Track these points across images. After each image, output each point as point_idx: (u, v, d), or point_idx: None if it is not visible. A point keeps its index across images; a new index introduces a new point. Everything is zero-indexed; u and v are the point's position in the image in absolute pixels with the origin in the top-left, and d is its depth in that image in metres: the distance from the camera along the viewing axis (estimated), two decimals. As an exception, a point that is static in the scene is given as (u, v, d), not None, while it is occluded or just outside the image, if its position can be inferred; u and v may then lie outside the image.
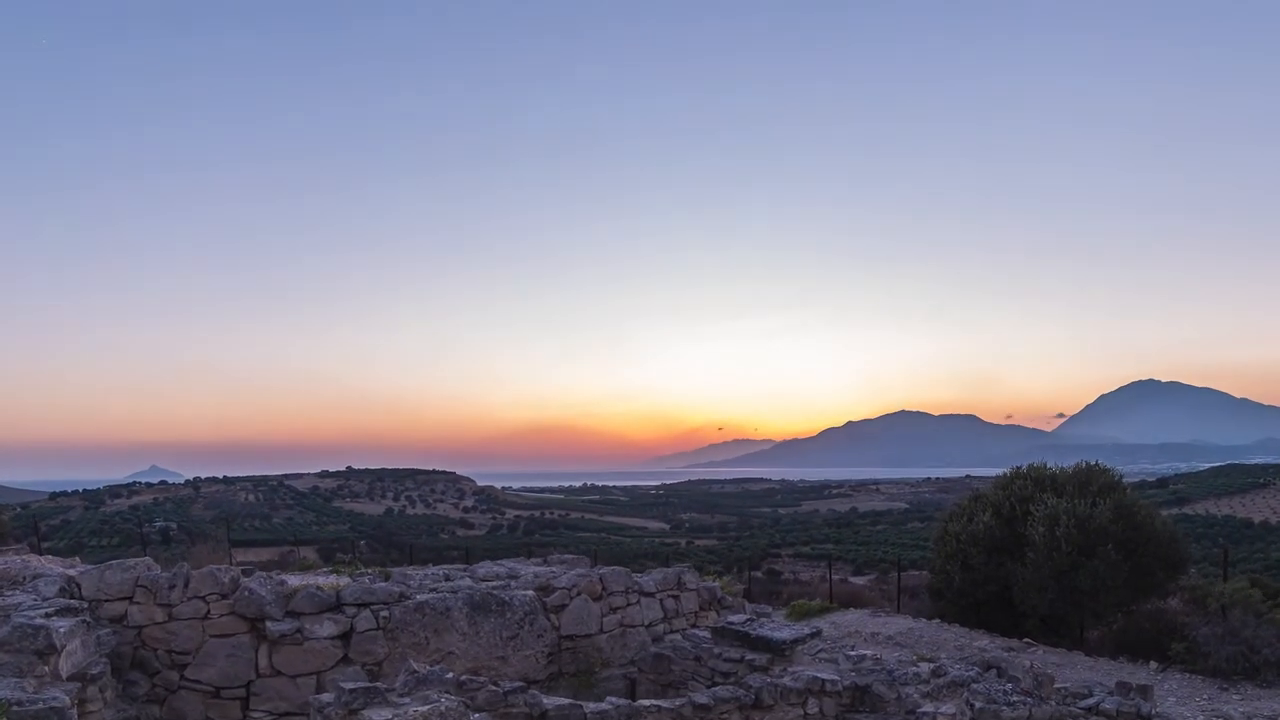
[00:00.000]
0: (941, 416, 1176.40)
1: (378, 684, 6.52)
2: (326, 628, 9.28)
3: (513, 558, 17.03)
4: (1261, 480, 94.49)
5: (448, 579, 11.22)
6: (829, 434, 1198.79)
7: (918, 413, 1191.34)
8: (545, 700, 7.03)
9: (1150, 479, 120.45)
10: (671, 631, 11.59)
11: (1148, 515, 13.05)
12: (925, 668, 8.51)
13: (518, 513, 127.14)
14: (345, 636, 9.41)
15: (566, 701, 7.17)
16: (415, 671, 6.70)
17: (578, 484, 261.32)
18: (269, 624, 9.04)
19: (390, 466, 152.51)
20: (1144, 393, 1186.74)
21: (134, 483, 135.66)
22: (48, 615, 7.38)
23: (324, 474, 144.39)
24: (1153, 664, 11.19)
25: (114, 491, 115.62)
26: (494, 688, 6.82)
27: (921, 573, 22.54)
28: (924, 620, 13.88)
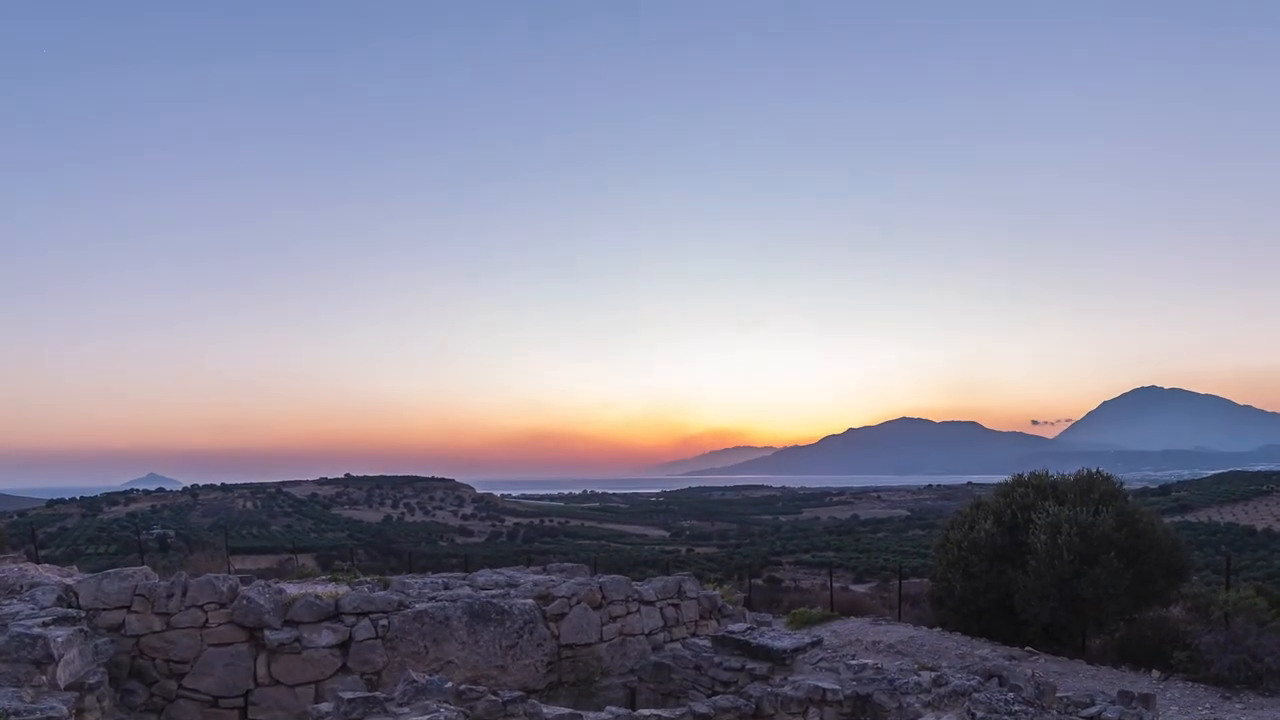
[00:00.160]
0: (943, 423, 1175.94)
1: (376, 693, 6.48)
2: (325, 637, 9.24)
3: (512, 566, 17.00)
4: (1264, 487, 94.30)
5: (447, 587, 11.18)
6: (830, 441, 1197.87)
7: (919, 419, 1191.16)
8: (545, 709, 6.99)
9: (1152, 486, 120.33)
10: (672, 640, 11.54)
11: (1150, 523, 13.02)
12: (927, 676, 8.46)
13: (517, 520, 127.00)
14: (344, 645, 9.36)
15: (566, 711, 7.13)
16: (414, 681, 6.66)
17: (577, 491, 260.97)
18: (267, 633, 8.99)
19: (389, 473, 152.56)
20: (1147, 399, 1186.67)
21: (131, 490, 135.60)
22: (45, 624, 7.35)
23: (322, 481, 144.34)
24: (1155, 673, 11.14)
25: (111, 499, 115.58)
26: (493, 697, 6.78)
27: (923, 580, 22.49)
28: (925, 628, 13.84)
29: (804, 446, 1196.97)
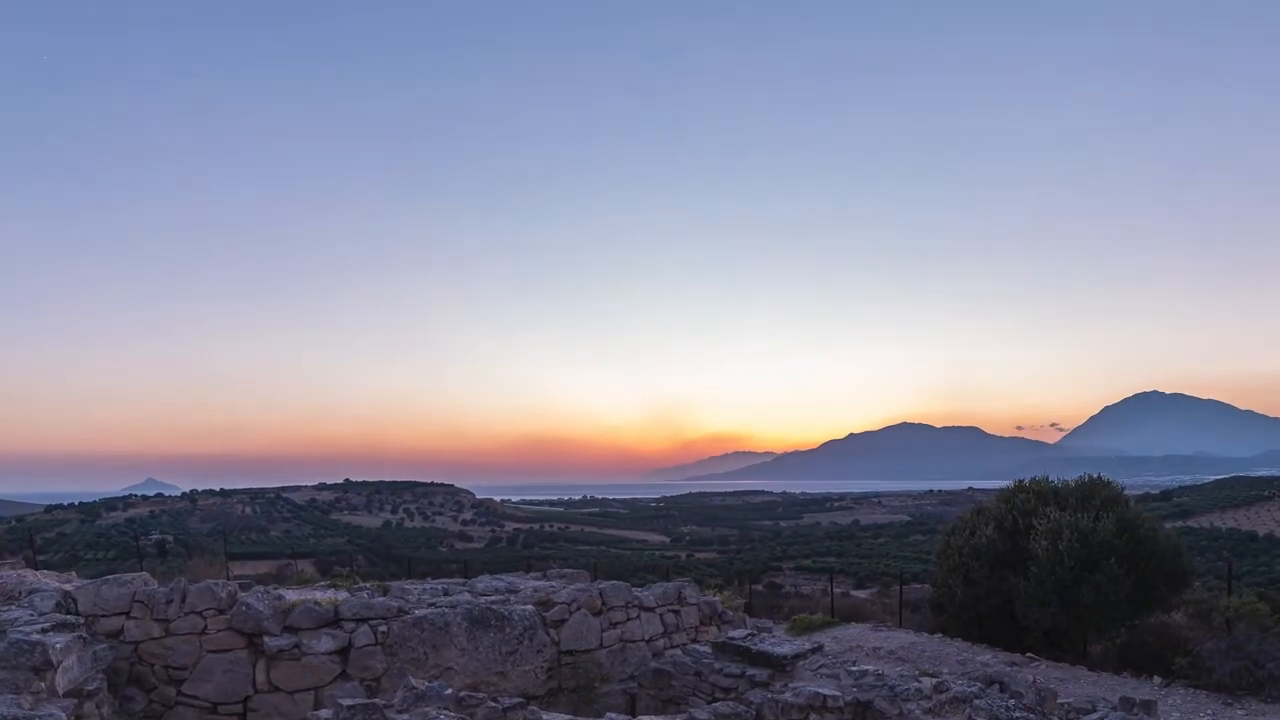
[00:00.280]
0: (944, 428, 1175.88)
1: (376, 700, 6.47)
2: (324, 643, 9.22)
3: (512, 572, 16.96)
4: (1266, 493, 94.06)
5: (446, 593, 11.16)
6: (830, 446, 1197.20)
7: (920, 425, 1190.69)
8: (545, 716, 6.97)
9: (1154, 491, 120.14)
10: (672, 646, 11.52)
11: (1151, 528, 12.98)
12: (927, 683, 8.43)
13: (517, 525, 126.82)
14: (343, 652, 9.35)
15: (566, 717, 7.12)
16: (414, 687, 6.65)
17: (577, 496, 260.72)
18: (267, 639, 8.98)
19: (388, 479, 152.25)
20: (1148, 405, 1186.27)
21: (130, 495, 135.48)
22: (44, 631, 7.34)
23: (321, 486, 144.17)
24: (1156, 679, 11.11)
25: (110, 504, 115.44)
26: (493, 703, 6.76)
27: (923, 586, 22.43)
28: (926, 635, 13.80)
29: (804, 451, 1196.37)
